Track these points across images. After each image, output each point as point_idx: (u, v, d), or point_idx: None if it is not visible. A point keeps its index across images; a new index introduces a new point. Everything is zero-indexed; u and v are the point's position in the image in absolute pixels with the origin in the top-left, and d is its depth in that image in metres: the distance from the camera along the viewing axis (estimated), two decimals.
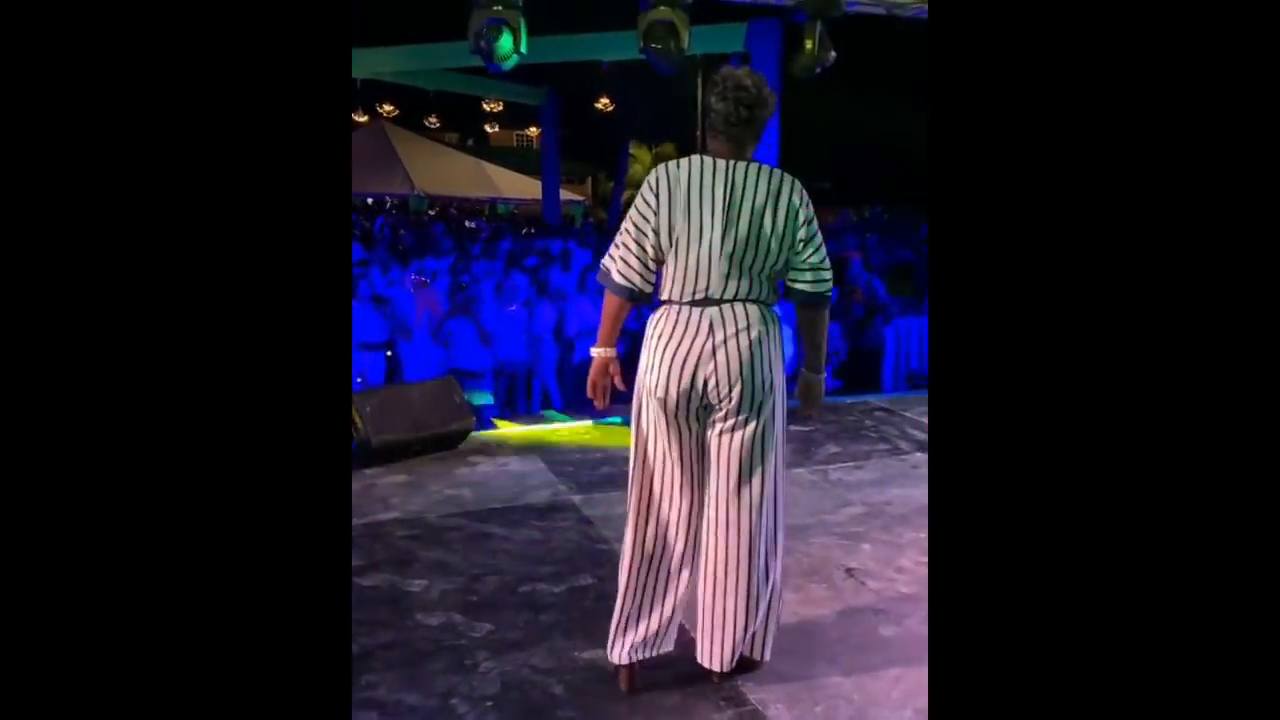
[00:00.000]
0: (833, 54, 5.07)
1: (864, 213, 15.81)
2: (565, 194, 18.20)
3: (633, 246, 2.04)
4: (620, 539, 2.18)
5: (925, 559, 2.96)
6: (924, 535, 3.16)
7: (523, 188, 18.67)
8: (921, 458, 4.10)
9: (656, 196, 2.00)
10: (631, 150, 19.28)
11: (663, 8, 4.48)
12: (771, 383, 2.04)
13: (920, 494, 3.60)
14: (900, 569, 2.90)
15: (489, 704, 2.11)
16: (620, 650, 2.14)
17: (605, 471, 3.83)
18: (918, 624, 2.51)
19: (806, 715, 2.09)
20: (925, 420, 4.74)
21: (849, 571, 2.88)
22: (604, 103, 14.48)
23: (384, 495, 3.54)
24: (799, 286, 2.05)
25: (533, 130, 24.32)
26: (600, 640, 2.33)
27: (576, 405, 5.94)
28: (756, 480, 2.06)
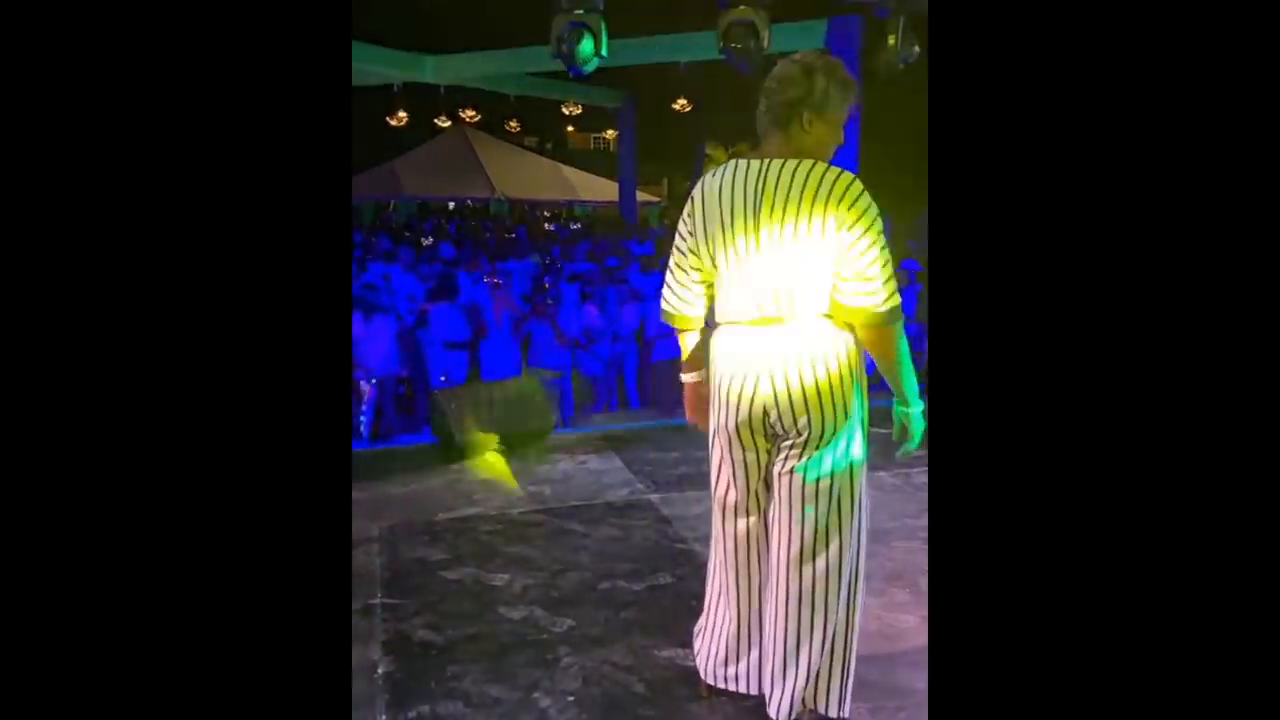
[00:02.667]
0: (917, 48, 4.97)
1: None
2: (642, 195, 18.28)
3: (677, 274, 1.89)
4: (698, 539, 2.18)
5: None
6: None
7: (600, 190, 18.83)
8: None
9: (691, 213, 1.82)
10: (708, 151, 19.23)
11: (742, 7, 4.47)
12: (846, 410, 1.78)
13: None
14: None
15: (570, 699, 2.14)
16: (702, 665, 2.10)
17: (682, 471, 3.83)
18: None
19: None
20: None
21: None
22: (681, 103, 14.47)
23: (468, 491, 3.63)
24: (843, 300, 1.73)
25: (609, 133, 24.49)
26: (678, 638, 2.34)
27: (658, 406, 5.97)
28: (830, 527, 1.82)
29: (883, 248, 1.72)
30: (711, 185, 1.80)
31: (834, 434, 1.80)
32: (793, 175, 1.72)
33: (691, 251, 1.84)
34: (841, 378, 1.78)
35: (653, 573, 2.85)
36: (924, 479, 3.77)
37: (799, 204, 1.70)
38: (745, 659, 2.02)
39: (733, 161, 1.80)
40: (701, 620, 2.12)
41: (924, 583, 2.77)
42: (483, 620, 2.53)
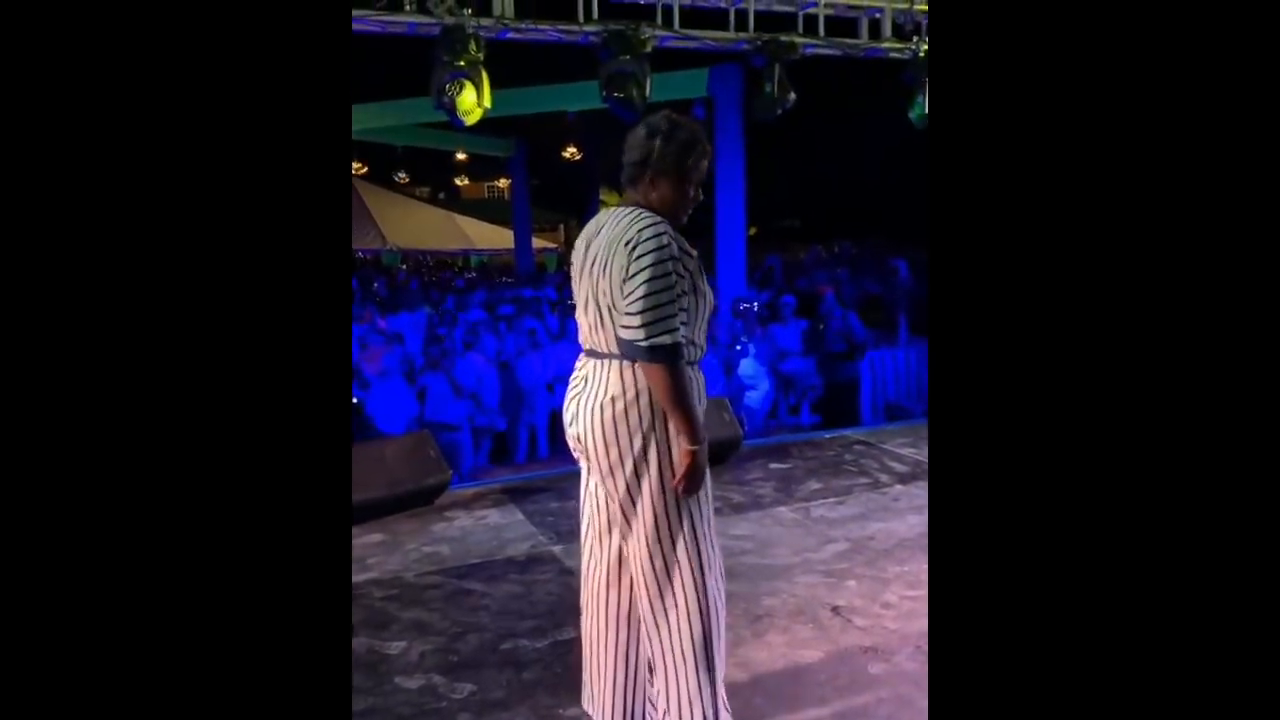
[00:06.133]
0: (792, 95, 5.16)
1: (833, 248, 16.01)
2: (538, 242, 18.28)
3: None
4: None
5: (911, 593, 2.93)
6: (909, 569, 3.14)
7: (495, 238, 18.73)
8: (902, 490, 4.09)
9: (573, 256, 2.00)
10: (602, 196, 19.46)
11: (623, 57, 4.54)
12: (629, 451, 1.84)
13: (903, 527, 3.58)
14: (886, 604, 2.86)
15: None
16: (586, 702, 2.11)
17: None
18: (906, 660, 2.47)
19: None
20: (905, 452, 4.74)
21: (835, 610, 2.84)
22: (571, 151, 14.65)
23: (360, 556, 3.46)
24: (618, 334, 1.82)
25: (502, 181, 24.51)
26: None
27: (563, 453, 5.91)
28: (656, 556, 1.89)
29: (658, 290, 1.76)
30: (584, 230, 1.98)
31: (632, 468, 1.85)
32: (616, 220, 1.87)
33: (575, 289, 2.01)
34: (625, 412, 1.84)
35: (556, 628, 2.78)
36: (821, 512, 3.83)
37: (607, 247, 1.84)
38: (591, 686, 2.07)
39: (605, 210, 1.96)
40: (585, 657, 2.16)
41: (826, 617, 2.79)
42: (377, 693, 2.40)
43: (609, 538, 1.97)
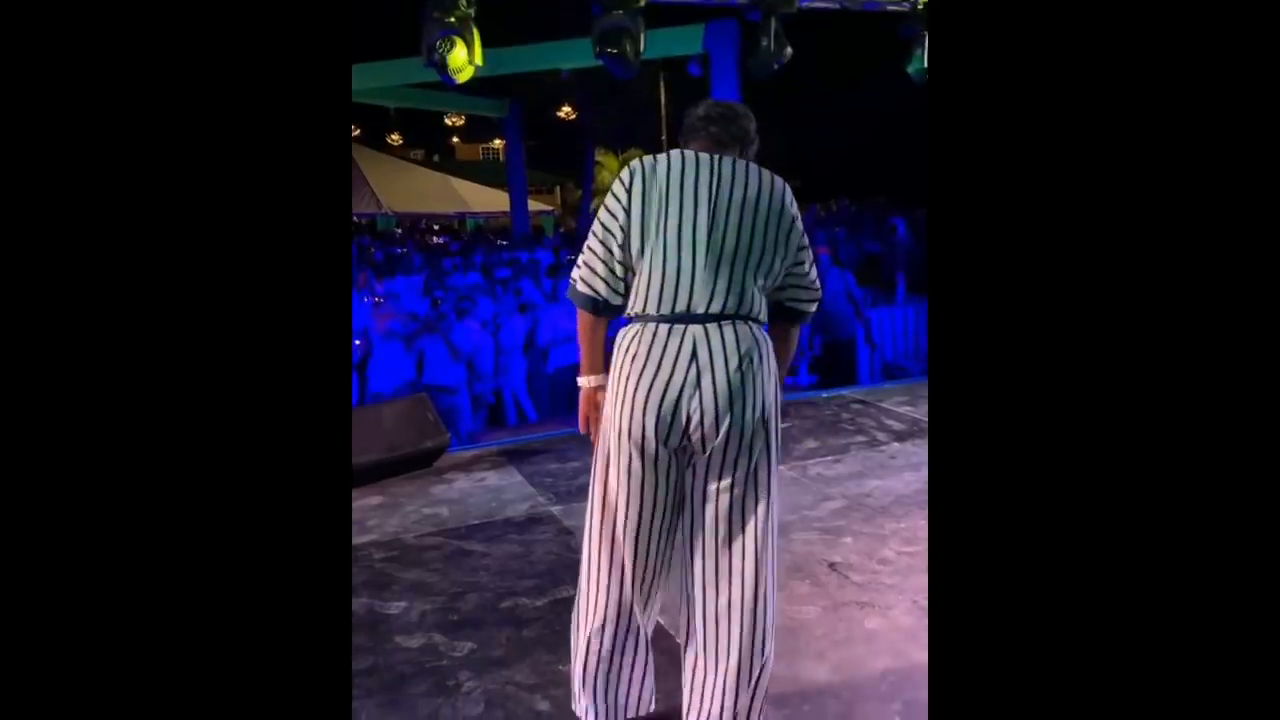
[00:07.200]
0: (789, 50, 5.08)
1: (831, 207, 15.89)
2: (535, 204, 18.15)
3: (598, 250, 1.76)
4: None
5: (908, 549, 2.95)
6: (905, 526, 3.16)
7: (491, 200, 18.60)
8: (899, 448, 4.11)
9: (629, 193, 1.73)
10: (598, 157, 19.29)
11: (616, 12, 4.46)
12: (764, 415, 1.73)
13: (900, 484, 3.60)
14: (883, 560, 2.88)
15: None
16: (584, 708, 1.94)
17: (584, 481, 3.77)
18: (902, 615, 2.50)
19: (795, 715, 2.07)
20: (902, 410, 4.75)
21: (832, 566, 2.86)
22: (566, 111, 14.47)
23: (359, 518, 3.49)
24: (798, 305, 1.84)
25: (497, 142, 24.27)
26: None
27: (553, 416, 5.92)
28: (751, 538, 1.76)
29: None
30: (654, 168, 1.74)
31: (753, 441, 1.73)
32: (746, 172, 1.77)
33: (622, 231, 1.73)
34: (764, 381, 1.73)
35: (555, 586, 2.80)
36: (818, 470, 3.85)
37: (759, 201, 1.75)
38: (612, 693, 1.92)
39: (678, 152, 1.78)
40: (593, 660, 1.92)
41: (823, 573, 2.81)
42: (378, 652, 2.43)
43: (725, 533, 1.78)
